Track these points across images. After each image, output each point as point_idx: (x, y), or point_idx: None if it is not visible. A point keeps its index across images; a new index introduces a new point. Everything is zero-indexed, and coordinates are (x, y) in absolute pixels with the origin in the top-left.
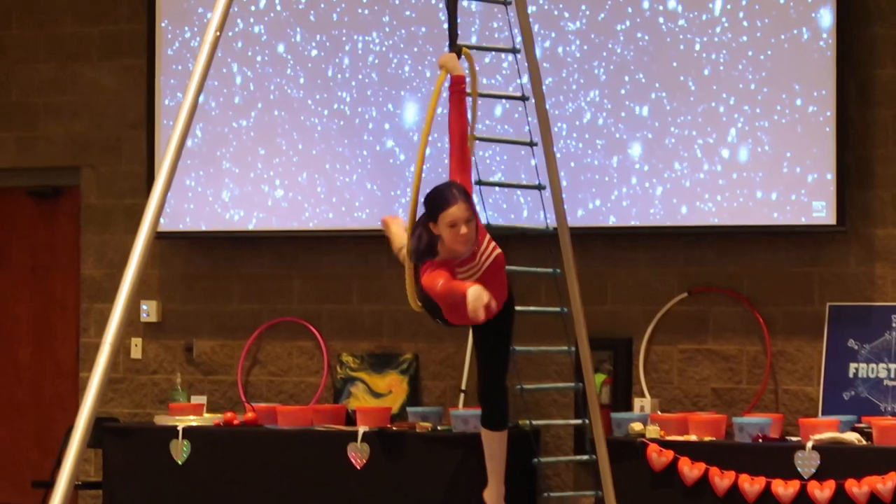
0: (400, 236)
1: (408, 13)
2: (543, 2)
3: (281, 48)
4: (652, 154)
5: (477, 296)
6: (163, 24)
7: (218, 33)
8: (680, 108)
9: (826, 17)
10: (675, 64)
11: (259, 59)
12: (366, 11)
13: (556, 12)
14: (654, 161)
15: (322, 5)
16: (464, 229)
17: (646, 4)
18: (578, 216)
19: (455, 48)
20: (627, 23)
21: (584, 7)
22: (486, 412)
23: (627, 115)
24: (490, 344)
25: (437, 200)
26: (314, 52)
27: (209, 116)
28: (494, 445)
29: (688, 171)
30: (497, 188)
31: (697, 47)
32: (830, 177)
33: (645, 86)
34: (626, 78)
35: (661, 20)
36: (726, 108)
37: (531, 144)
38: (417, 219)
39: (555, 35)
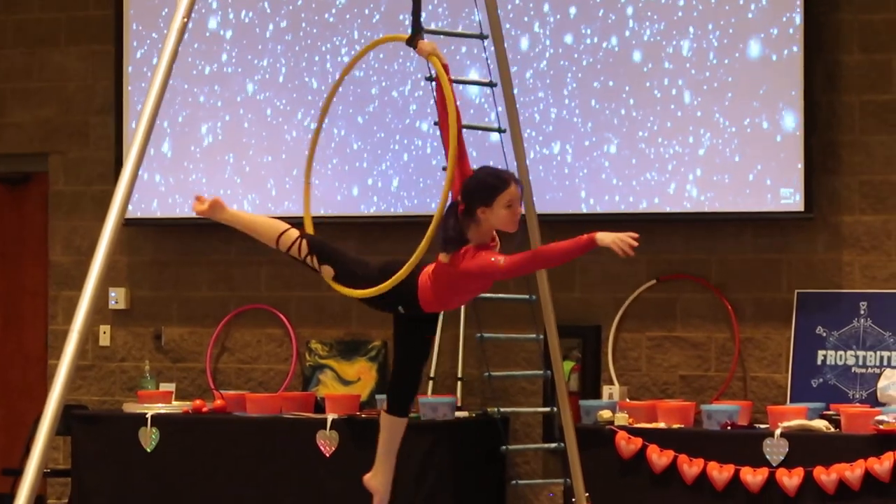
0: (271, 223)
1: (376, 18)
2: (511, 8)
3: (250, 54)
4: (620, 140)
5: (612, 236)
6: (130, 10)
7: (185, 19)
8: (647, 94)
9: (794, 3)
10: (641, 42)
11: (229, 69)
12: (332, 19)
13: (526, 18)
14: (622, 147)
15: (290, 7)
16: (518, 208)
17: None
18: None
19: (420, 36)
20: (597, 24)
21: (549, 13)
22: (395, 399)
23: (596, 102)
24: (419, 333)
25: (492, 183)
26: (282, 58)
27: (176, 123)
28: (395, 431)
29: (654, 158)
30: None
31: (663, 26)
32: (798, 164)
33: (611, 69)
34: (596, 64)
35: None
36: (693, 93)
37: (500, 131)
38: (448, 207)
39: (527, 38)
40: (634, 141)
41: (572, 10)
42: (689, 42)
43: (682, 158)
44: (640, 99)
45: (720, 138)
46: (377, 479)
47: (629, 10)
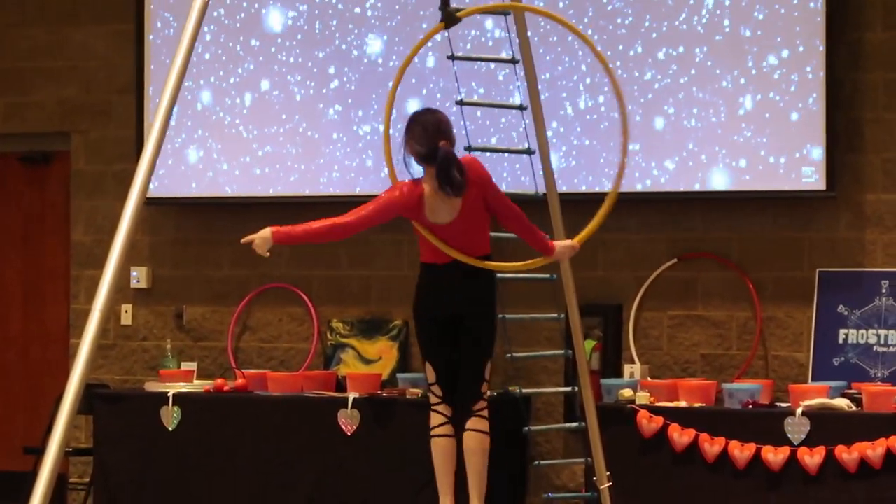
0: None
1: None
2: None
3: (274, 26)
4: (643, 118)
5: None
6: None
7: None
8: (672, 73)
9: None
10: (664, 29)
11: (254, 42)
12: (358, 10)
13: None
14: (644, 125)
15: None
16: None
17: None
18: (572, 183)
19: (450, 12)
20: None
21: None
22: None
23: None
24: None
25: None
26: (303, 30)
27: (193, 97)
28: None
29: (677, 137)
30: (488, 153)
31: (686, 12)
32: (820, 142)
33: (635, 54)
34: (618, 48)
35: None
36: (715, 73)
37: (520, 108)
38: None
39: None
40: (656, 120)
41: None
42: (710, 21)
43: (703, 137)
44: (661, 76)
45: (742, 117)
46: None
47: None
